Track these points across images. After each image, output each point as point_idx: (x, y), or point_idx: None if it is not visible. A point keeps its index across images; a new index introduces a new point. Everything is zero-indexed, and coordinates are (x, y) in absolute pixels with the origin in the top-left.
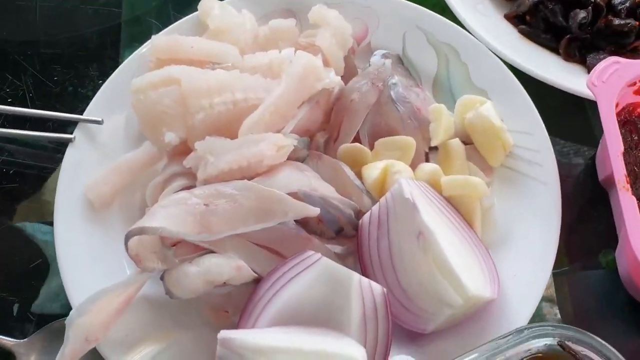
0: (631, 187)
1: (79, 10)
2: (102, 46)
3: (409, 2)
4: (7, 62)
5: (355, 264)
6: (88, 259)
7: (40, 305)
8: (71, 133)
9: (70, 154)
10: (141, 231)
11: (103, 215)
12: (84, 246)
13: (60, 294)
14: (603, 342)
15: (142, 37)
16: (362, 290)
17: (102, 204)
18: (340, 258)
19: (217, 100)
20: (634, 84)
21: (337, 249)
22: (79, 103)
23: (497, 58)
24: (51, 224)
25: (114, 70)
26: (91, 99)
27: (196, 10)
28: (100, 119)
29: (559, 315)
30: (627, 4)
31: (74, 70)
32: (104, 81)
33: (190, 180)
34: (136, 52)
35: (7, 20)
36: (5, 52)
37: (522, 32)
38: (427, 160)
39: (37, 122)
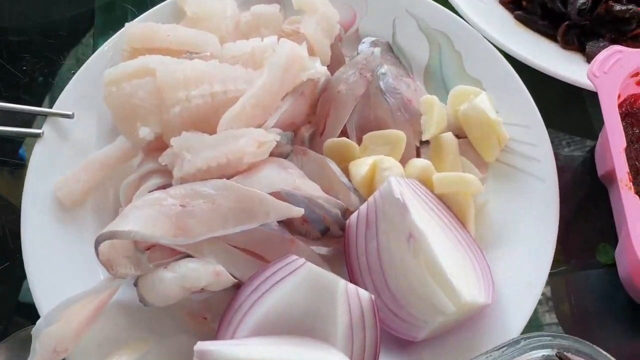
0: (633, 184)
1: None
2: (74, 34)
3: None
4: None
5: (342, 266)
6: (58, 263)
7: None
8: (40, 128)
9: (38, 150)
10: (112, 235)
11: (74, 215)
12: (53, 249)
13: (27, 300)
14: (603, 351)
15: (117, 24)
16: (348, 297)
17: (73, 204)
18: (327, 260)
19: (195, 92)
20: (637, 74)
21: (323, 250)
22: (50, 95)
23: (492, 46)
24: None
25: (87, 60)
26: (63, 90)
27: None
28: (70, 113)
29: (555, 318)
30: None
31: (44, 60)
32: (76, 71)
33: (167, 178)
34: (109, 40)
35: None
36: None
37: (518, 18)
38: (418, 155)
39: (2, 116)
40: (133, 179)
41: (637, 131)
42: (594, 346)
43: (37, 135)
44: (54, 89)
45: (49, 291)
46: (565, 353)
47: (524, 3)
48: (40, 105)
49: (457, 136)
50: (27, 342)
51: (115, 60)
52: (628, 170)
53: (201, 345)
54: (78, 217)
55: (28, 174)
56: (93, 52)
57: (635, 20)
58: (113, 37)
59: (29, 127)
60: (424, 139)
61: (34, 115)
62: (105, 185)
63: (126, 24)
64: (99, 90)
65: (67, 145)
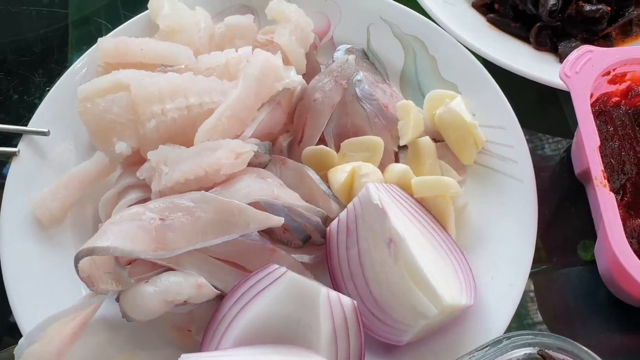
0: (608, 181)
1: (22, 12)
2: (48, 50)
3: None
4: None
5: (324, 274)
6: (38, 281)
7: None
8: (15, 146)
9: (14, 168)
10: (91, 252)
11: (53, 233)
12: (33, 267)
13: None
14: (584, 348)
15: (91, 39)
16: (330, 304)
17: (52, 222)
18: (309, 268)
19: (170, 106)
20: (608, 73)
21: (305, 258)
22: (25, 112)
23: (466, 49)
24: None
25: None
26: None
27: (147, 9)
28: (46, 130)
29: (539, 317)
30: None
31: (18, 77)
32: (51, 88)
33: (146, 192)
34: (83, 56)
35: None
36: None
37: (490, 21)
38: (396, 160)
39: None
40: (112, 194)
41: (612, 129)
42: (575, 343)
43: (13, 154)
44: (29, 106)
45: (30, 310)
46: (547, 351)
47: (496, 6)
48: (16, 124)
49: (435, 140)
50: None
51: (89, 76)
52: (603, 168)
53: (185, 358)
54: (57, 235)
55: (5, 193)
56: (68, 68)
57: (605, 20)
58: (86, 52)
59: (6, 145)
60: (401, 143)
61: (10, 133)
62: (84, 201)
63: (99, 39)
64: (74, 106)
65: (44, 163)
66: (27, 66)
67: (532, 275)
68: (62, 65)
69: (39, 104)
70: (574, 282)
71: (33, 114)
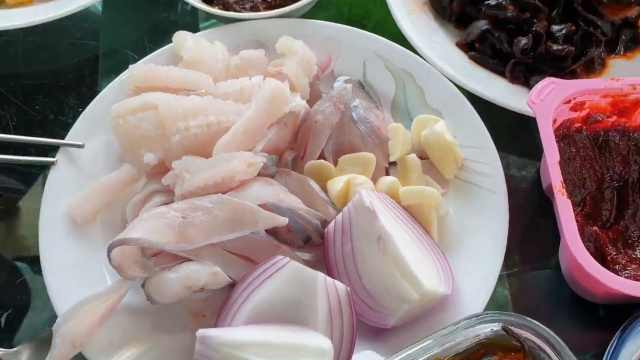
0: (567, 192)
1: (58, 43)
2: (80, 76)
3: (368, 33)
4: None
5: (322, 270)
6: (71, 271)
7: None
8: (53, 157)
9: (52, 175)
10: (123, 242)
11: (85, 231)
12: (67, 260)
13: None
14: (542, 325)
15: (119, 68)
16: (327, 288)
17: (84, 221)
18: (309, 265)
19: (193, 123)
20: (569, 101)
21: (306, 256)
22: (60, 130)
23: (450, 81)
24: (27, 259)
25: (92, 99)
26: (71, 125)
27: (170, 42)
28: (81, 143)
29: (512, 311)
30: (564, 32)
31: (54, 99)
32: (83, 109)
33: (169, 197)
34: (115, 80)
35: None
36: None
37: (472, 58)
38: (387, 174)
39: (18, 148)
40: (139, 198)
41: (574, 150)
42: (535, 322)
43: (52, 163)
44: (63, 125)
45: (65, 295)
46: (510, 327)
47: (477, 45)
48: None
49: (421, 157)
50: (47, 341)
51: (120, 98)
52: (562, 179)
53: (203, 332)
54: (88, 233)
55: (44, 196)
56: (97, 92)
57: (570, 58)
58: (119, 77)
59: (44, 156)
60: (391, 160)
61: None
62: (113, 206)
63: (130, 66)
64: (105, 123)
65: (78, 171)
66: (62, 90)
67: (507, 277)
68: (92, 89)
69: (72, 123)
70: (542, 283)
71: (66, 131)
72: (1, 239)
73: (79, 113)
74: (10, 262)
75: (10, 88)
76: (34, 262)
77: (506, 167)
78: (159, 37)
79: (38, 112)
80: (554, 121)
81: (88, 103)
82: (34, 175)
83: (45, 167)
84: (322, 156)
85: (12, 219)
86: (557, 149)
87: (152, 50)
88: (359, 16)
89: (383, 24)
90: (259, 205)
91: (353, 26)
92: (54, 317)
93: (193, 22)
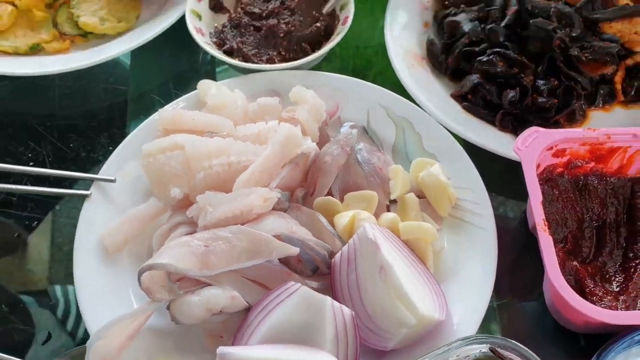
0: (550, 230)
1: (91, 87)
2: (111, 118)
3: (371, 84)
4: (29, 131)
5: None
6: (102, 294)
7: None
8: (87, 190)
9: (86, 207)
10: (152, 267)
11: (115, 259)
12: (99, 284)
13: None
14: (525, 348)
15: (146, 111)
16: (334, 312)
17: (115, 249)
18: (317, 292)
19: (216, 162)
20: (551, 148)
21: (314, 284)
22: (91, 166)
23: (445, 129)
24: (33, 292)
25: (121, 139)
26: (101, 162)
27: (193, 87)
28: (113, 178)
29: None
30: (548, 86)
31: (86, 138)
32: (112, 147)
33: (192, 228)
34: (142, 124)
35: (30, 97)
36: (28, 123)
37: (465, 108)
38: (388, 211)
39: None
40: (165, 229)
41: (557, 193)
42: (519, 344)
43: (86, 196)
44: (95, 162)
45: (96, 315)
46: (497, 348)
47: (469, 96)
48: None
49: (418, 196)
50: (80, 357)
51: (148, 139)
52: (544, 217)
53: (223, 349)
54: (118, 260)
55: (79, 226)
56: (126, 132)
57: (554, 109)
58: (147, 119)
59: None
60: (392, 198)
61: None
62: (140, 236)
63: (160, 110)
64: (134, 161)
65: (110, 204)
66: (94, 130)
67: (497, 307)
68: (121, 130)
69: (102, 160)
70: (528, 312)
71: (97, 168)
72: (7, 273)
73: (109, 151)
74: (16, 295)
75: (47, 127)
76: (40, 295)
77: (495, 207)
78: (182, 83)
79: (72, 149)
80: (538, 166)
81: (117, 142)
82: (44, 211)
83: (54, 205)
84: (329, 193)
85: (21, 252)
86: (540, 191)
87: (176, 95)
88: (363, 67)
89: (384, 75)
90: (273, 236)
91: (357, 77)
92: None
93: (212, 69)
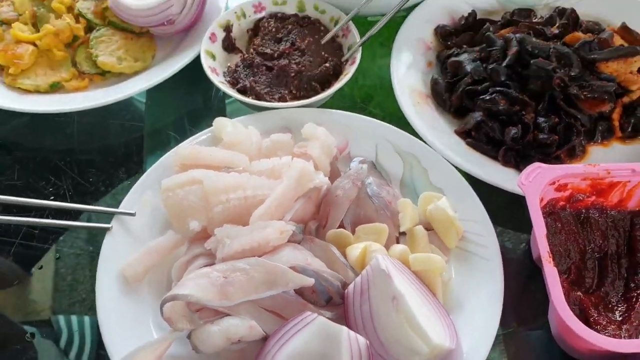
0: (554, 261)
1: (109, 124)
2: (128, 154)
3: (379, 121)
4: (50, 166)
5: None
6: (124, 324)
7: None
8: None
9: (108, 240)
10: (174, 298)
11: (135, 289)
12: (120, 314)
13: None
14: None
15: (162, 147)
16: (350, 341)
17: (135, 280)
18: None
19: (233, 196)
20: (554, 183)
21: (328, 314)
22: (110, 200)
23: (450, 164)
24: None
25: (138, 174)
26: (120, 196)
27: (207, 123)
28: (133, 212)
29: None
30: (549, 123)
31: (105, 173)
32: (130, 182)
33: (210, 259)
34: (160, 160)
35: (51, 133)
36: (49, 158)
37: (469, 144)
38: (397, 243)
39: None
40: (184, 261)
41: (560, 225)
42: None
43: (107, 229)
44: (113, 195)
45: (118, 344)
46: None
47: (473, 133)
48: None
49: (426, 229)
50: None
51: (165, 174)
52: (548, 250)
53: None
54: (138, 290)
55: (100, 258)
56: (143, 167)
57: (554, 145)
58: (165, 155)
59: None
60: (401, 230)
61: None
62: (159, 267)
63: (177, 146)
64: (153, 195)
65: (130, 236)
66: (112, 165)
67: (503, 336)
68: (138, 165)
69: (121, 194)
70: (534, 341)
71: (115, 201)
72: (12, 304)
73: (127, 185)
74: (19, 325)
75: (66, 162)
76: (43, 325)
77: (501, 239)
78: (196, 119)
79: (91, 184)
80: (541, 200)
81: (135, 177)
82: (49, 244)
83: (56, 239)
84: (341, 226)
85: (26, 283)
86: (544, 224)
87: (191, 130)
88: (370, 105)
89: (391, 111)
90: (289, 268)
91: (365, 113)
92: None
93: (223, 107)
